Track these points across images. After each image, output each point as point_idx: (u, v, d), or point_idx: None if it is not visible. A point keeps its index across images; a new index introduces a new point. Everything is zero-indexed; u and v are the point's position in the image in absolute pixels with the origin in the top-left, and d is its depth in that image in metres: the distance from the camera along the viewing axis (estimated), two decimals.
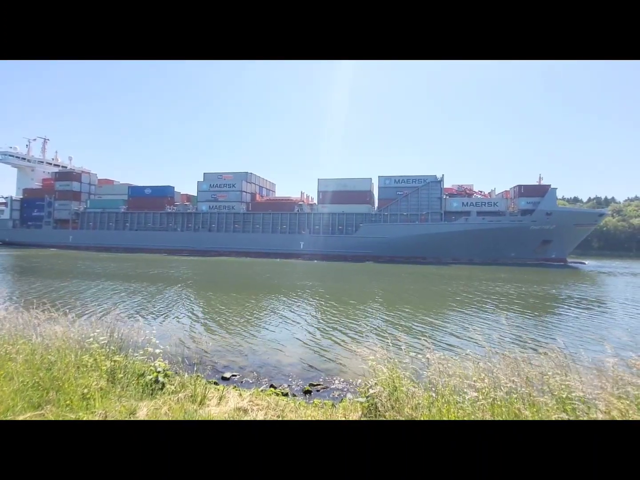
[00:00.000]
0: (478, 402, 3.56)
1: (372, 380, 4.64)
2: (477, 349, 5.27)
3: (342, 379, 7.36)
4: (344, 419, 4.17)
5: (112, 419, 4.09)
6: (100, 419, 4.01)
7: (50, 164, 73.42)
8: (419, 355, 5.00)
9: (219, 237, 55.11)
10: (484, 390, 3.62)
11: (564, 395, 3.38)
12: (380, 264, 42.39)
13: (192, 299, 17.35)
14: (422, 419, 3.56)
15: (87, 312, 11.06)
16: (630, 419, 2.87)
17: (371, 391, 4.37)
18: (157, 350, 6.04)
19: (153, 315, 13.27)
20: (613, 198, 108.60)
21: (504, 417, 3.33)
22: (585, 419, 3.01)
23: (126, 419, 4.11)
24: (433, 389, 4.18)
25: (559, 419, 2.97)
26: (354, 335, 11.14)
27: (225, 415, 4.79)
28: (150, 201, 59.64)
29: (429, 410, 3.87)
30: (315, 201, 56.83)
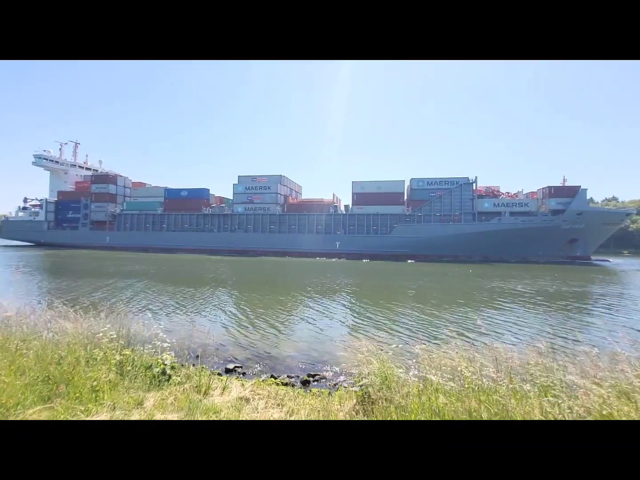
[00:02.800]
0: (464, 390, 3.53)
1: (365, 370, 4.60)
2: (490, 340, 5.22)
3: (338, 370, 7.34)
4: (340, 419, 4.11)
5: (120, 410, 4.05)
6: (109, 410, 3.97)
7: (83, 167, 72.19)
8: (410, 347, 4.97)
9: (255, 237, 54.52)
10: (469, 379, 3.59)
11: (545, 384, 3.35)
12: (422, 262, 41.45)
13: (216, 295, 17.23)
14: (420, 418, 3.48)
15: (105, 308, 10.98)
16: (630, 419, 2.78)
17: (364, 380, 4.34)
18: (165, 344, 6.00)
19: (164, 311, 13.22)
20: (591, 198, 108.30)
21: (490, 405, 3.29)
22: (583, 419, 2.91)
23: (130, 416, 4.04)
24: (422, 377, 4.14)
25: (559, 420, 2.87)
26: (360, 330, 11.11)
27: (229, 404, 4.75)
28: (187, 203, 58.84)
29: (419, 398, 3.84)
30: (343, 202, 57.16)
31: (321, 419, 4.18)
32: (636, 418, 2.86)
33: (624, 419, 2.83)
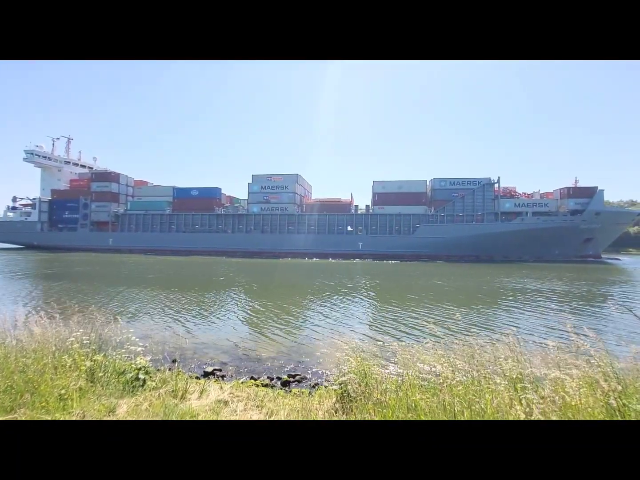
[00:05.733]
0: (439, 385, 3.62)
1: (345, 368, 4.64)
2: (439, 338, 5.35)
3: (319, 369, 7.36)
4: (319, 418, 4.11)
5: (90, 418, 3.90)
6: (77, 419, 3.81)
7: (77, 164, 67.43)
8: (390, 344, 5.04)
9: (272, 238, 52.42)
10: (444, 374, 3.69)
11: (514, 376, 3.49)
12: (451, 263, 40.89)
13: (211, 300, 16.81)
14: (398, 413, 3.53)
15: (74, 313, 10.51)
16: (629, 419, 2.80)
17: (343, 378, 4.38)
18: (139, 349, 5.81)
19: (139, 315, 12.80)
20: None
21: (462, 399, 3.39)
22: (584, 419, 2.92)
23: (105, 418, 3.92)
24: (400, 374, 4.22)
25: (557, 419, 2.87)
26: (336, 329, 11.16)
27: (206, 407, 4.66)
28: (198, 203, 56.07)
29: (397, 393, 3.91)
30: (361, 202, 57.92)
31: (300, 419, 4.18)
32: (599, 405, 3.02)
33: (606, 419, 2.88)
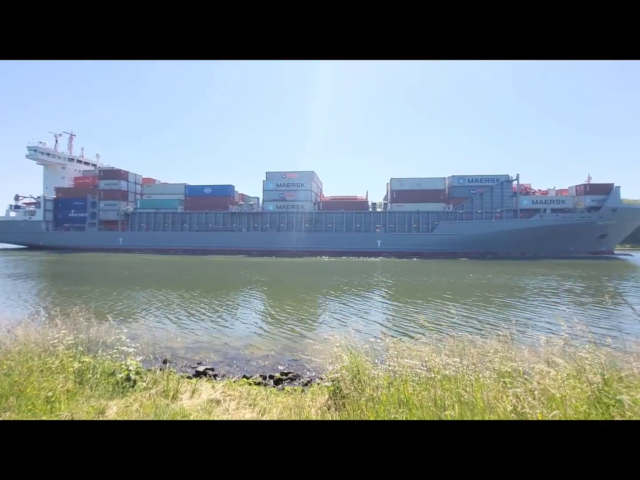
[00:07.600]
0: (430, 380, 3.67)
1: (338, 365, 4.67)
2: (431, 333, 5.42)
3: (312, 367, 7.37)
4: (312, 417, 4.12)
5: (79, 419, 3.84)
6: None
7: (80, 161, 65.47)
8: (383, 341, 5.08)
9: (289, 236, 51.41)
10: (435, 368, 3.74)
11: (503, 370, 3.56)
12: (475, 260, 40.27)
13: (211, 299, 16.63)
14: (389, 409, 3.55)
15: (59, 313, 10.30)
16: (630, 419, 2.81)
17: (335, 375, 4.41)
18: (129, 349, 5.74)
19: (131, 314, 12.63)
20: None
21: (452, 394, 3.44)
22: (585, 419, 2.93)
23: (94, 419, 3.88)
24: (392, 369, 4.26)
25: (556, 419, 2.88)
26: (332, 326, 11.19)
27: (198, 407, 4.64)
28: (211, 201, 54.98)
29: (388, 389, 3.95)
30: (380, 199, 56.45)
31: (293, 416, 4.19)
32: (584, 396, 3.10)
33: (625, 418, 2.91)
